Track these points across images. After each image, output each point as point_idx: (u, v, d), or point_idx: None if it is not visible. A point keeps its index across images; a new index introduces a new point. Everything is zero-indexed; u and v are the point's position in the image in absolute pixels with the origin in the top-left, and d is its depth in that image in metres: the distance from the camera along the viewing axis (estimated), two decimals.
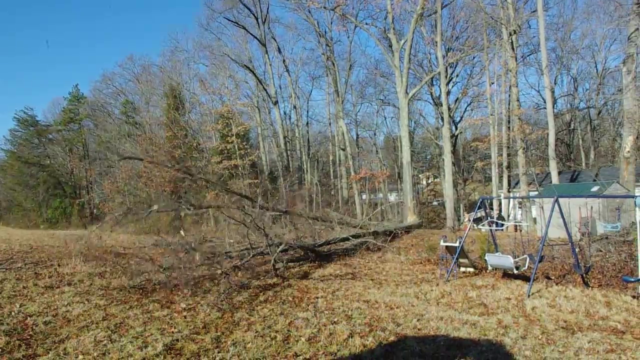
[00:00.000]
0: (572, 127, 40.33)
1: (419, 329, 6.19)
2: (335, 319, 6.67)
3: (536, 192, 25.84)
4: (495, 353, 5.17)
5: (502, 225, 16.26)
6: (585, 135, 40.66)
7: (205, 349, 5.39)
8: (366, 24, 31.64)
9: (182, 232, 14.42)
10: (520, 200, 25.38)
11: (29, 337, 5.81)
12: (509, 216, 25.50)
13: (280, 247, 10.60)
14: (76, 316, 6.80)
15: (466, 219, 28.12)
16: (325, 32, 37.14)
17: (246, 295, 8.36)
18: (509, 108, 25.98)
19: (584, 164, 38.37)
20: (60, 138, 54.32)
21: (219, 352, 5.27)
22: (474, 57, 35.23)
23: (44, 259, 13.00)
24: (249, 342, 5.61)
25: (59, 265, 11.54)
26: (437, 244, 14.14)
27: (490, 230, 10.68)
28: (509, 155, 27.49)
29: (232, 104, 32.73)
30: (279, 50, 39.98)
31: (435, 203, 49.54)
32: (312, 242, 13.35)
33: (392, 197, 38.86)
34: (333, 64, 37.16)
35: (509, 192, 27.45)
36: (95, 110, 52.34)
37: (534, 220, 19.78)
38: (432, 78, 35.01)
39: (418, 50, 38.15)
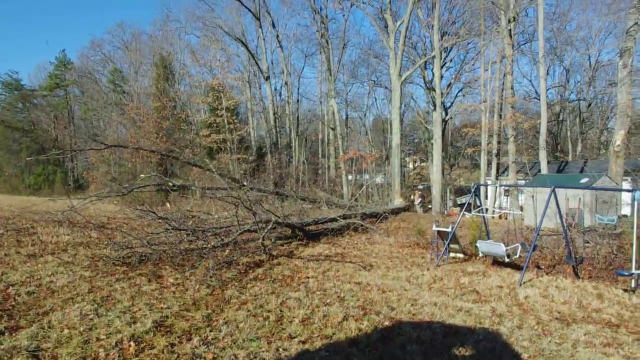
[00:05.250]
0: (561, 118, 40.50)
1: (413, 314, 6.09)
2: (328, 301, 6.54)
3: (523, 181, 25.96)
4: (493, 342, 5.08)
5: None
6: (573, 127, 40.84)
7: (196, 327, 5.21)
8: (363, 2, 31.03)
9: (167, 205, 14.15)
10: (507, 188, 25.47)
11: (10, 307, 5.57)
12: (497, 206, 25.65)
13: (269, 226, 10.43)
14: (61, 287, 6.57)
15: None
16: (321, 8, 36.46)
17: (235, 272, 8.20)
18: (502, 96, 25.86)
19: (570, 155, 38.65)
20: (45, 104, 52.87)
21: (210, 331, 5.10)
22: (468, 43, 35.03)
23: (26, 226, 12.67)
24: (241, 322, 5.44)
25: (42, 234, 11.25)
26: (425, 228, 14.11)
27: (483, 217, 10.63)
28: (499, 143, 27.48)
29: (223, 77, 32.01)
30: (273, 25, 39.12)
31: (421, 187, 49.71)
32: (300, 220, 13.21)
33: (379, 179, 38.77)
34: (327, 42, 36.53)
35: (497, 179, 27.52)
36: (82, 77, 50.89)
37: (521, 208, 19.83)
38: (426, 62, 34.75)
39: (413, 32, 37.72)
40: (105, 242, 10.27)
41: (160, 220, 10.07)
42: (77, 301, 5.95)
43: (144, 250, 8.96)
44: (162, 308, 5.86)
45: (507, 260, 9.07)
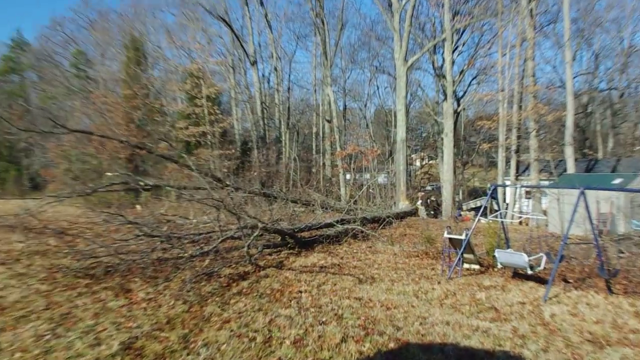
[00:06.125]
0: (590, 109, 40.58)
1: (422, 335, 6.03)
2: (324, 319, 6.49)
3: (547, 182, 25.99)
4: None
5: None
6: (604, 120, 40.93)
7: (171, 350, 5.14)
8: None
9: (138, 207, 14.04)
10: (528, 189, 25.51)
11: None
12: (507, 206, 25.65)
13: (256, 232, 10.34)
14: (12, 303, 6.49)
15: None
16: None
17: (216, 286, 8.18)
18: (522, 84, 25.90)
19: (601, 153, 38.71)
20: None
21: (188, 355, 5.02)
22: (483, 24, 35.01)
23: None
24: (223, 343, 5.37)
25: None
26: (435, 235, 14.06)
27: (502, 222, 10.57)
28: (519, 137, 27.50)
29: (203, 62, 31.93)
30: (261, 3, 39.11)
31: (429, 188, 49.80)
32: (291, 226, 13.13)
33: (381, 179, 38.73)
34: (322, 22, 36.44)
35: (516, 179, 27.54)
36: (40, 61, 50.64)
37: (544, 213, 19.85)
38: (435, 45, 34.78)
39: (421, 12, 37.74)
40: (66, 251, 10.15)
41: (129, 225, 9.94)
42: (31, 319, 5.87)
43: (111, 259, 8.88)
44: (131, 327, 5.78)
45: (529, 272, 8.99)
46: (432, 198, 31.28)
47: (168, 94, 36.71)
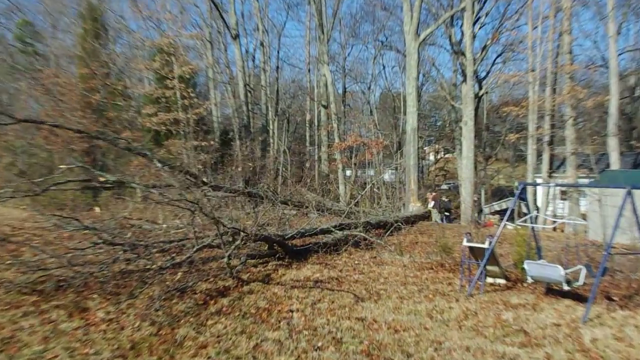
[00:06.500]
0: (637, 93, 40.58)
1: None
2: (320, 344, 6.49)
3: (587, 179, 25.97)
4: None
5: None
6: None
7: None
8: None
9: (97, 209, 13.97)
10: (564, 188, 25.54)
11: None
12: (538, 209, 25.67)
13: (238, 240, 10.31)
14: None
15: (431, 203, 28.14)
16: None
17: (191, 304, 8.17)
18: (556, 62, 25.92)
19: None
20: None
21: None
22: None
23: None
24: None
25: None
26: (452, 243, 14.07)
27: (532, 228, 10.55)
28: (552, 127, 27.52)
29: (175, 35, 31.77)
30: None
31: (445, 187, 49.77)
32: (280, 232, 13.10)
33: (387, 176, 38.67)
34: None
35: (549, 176, 27.59)
36: None
37: (583, 216, 19.89)
38: (452, 16, 34.73)
39: None
40: (9, 262, 10.04)
41: (86, 232, 9.88)
42: None
43: (63, 272, 8.82)
44: (87, 354, 5.77)
45: (566, 288, 8.98)
46: (444, 198, 31.14)
47: (133, 74, 36.54)
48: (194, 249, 9.80)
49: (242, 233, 10.35)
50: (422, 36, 27.89)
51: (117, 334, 6.49)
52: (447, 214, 27.09)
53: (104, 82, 32.40)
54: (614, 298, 9.51)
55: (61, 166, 9.77)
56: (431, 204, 27.75)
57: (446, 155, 53.68)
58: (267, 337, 6.64)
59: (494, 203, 35.68)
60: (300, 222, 15.69)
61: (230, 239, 10.19)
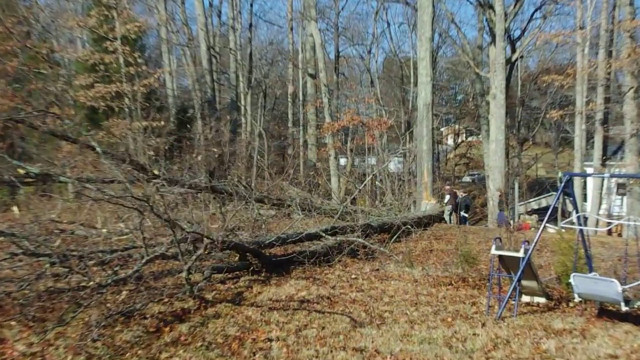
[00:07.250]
0: None
1: None
2: None
3: None
4: None
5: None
6: None
7: None
8: None
9: (15, 209, 14.19)
10: (622, 180, 25.76)
11: None
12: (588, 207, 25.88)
13: (201, 249, 10.42)
14: None
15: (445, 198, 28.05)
16: None
17: (139, 332, 7.79)
18: (612, 17, 26.08)
19: None
20: None
21: None
22: None
23: None
24: None
25: None
26: (477, 251, 14.20)
27: (581, 231, 10.58)
28: (607, 101, 27.65)
29: None
30: None
31: (467, 179, 49.87)
32: (255, 239, 13.19)
33: (393, 165, 38.80)
34: None
35: (603, 165, 27.79)
36: None
37: None
38: None
39: None
40: None
41: (1, 239, 10.02)
42: None
43: None
44: None
45: (624, 308, 8.49)
46: (462, 192, 30.93)
47: (62, 34, 36.13)
48: (143, 261, 9.16)
49: (205, 240, 10.13)
50: None
51: None
52: (464, 213, 26.90)
53: (23, 45, 32.10)
54: None
55: None
56: (446, 198, 27.73)
57: (469, 139, 53.83)
58: None
59: (531, 200, 35.96)
60: (280, 225, 15.72)
61: (191, 248, 9.97)
